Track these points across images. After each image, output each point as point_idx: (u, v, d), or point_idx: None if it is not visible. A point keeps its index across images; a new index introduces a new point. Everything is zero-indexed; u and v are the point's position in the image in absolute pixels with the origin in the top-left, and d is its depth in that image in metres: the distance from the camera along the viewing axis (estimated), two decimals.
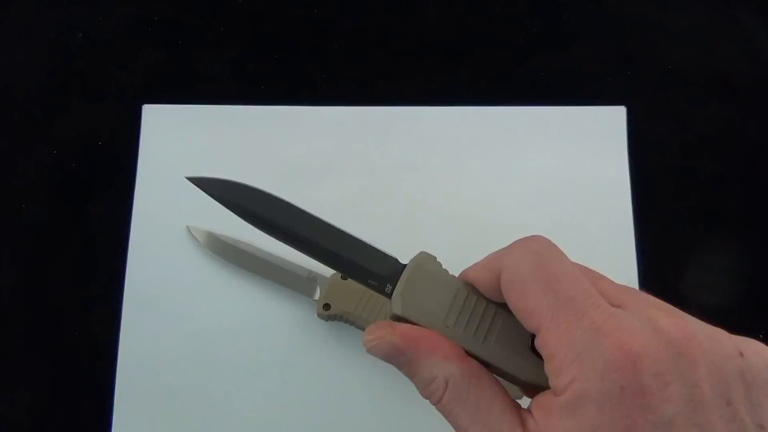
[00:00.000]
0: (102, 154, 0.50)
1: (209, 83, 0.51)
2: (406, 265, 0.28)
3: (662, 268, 0.47)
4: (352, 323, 0.43)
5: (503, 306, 0.26)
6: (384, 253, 0.28)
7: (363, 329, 0.41)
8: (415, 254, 0.28)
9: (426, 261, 0.28)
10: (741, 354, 0.22)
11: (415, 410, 0.43)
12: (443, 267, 0.28)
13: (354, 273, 0.28)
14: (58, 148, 0.50)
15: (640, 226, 0.48)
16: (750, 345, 0.23)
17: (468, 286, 0.27)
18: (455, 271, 0.28)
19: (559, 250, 0.25)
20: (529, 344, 0.26)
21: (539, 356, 0.24)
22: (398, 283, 0.27)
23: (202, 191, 0.29)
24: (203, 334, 0.45)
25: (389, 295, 0.27)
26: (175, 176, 0.49)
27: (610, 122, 0.50)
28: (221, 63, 0.52)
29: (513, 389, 0.27)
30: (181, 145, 0.50)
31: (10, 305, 0.47)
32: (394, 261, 0.28)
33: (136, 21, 0.53)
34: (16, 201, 0.49)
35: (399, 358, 0.26)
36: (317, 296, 0.44)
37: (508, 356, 0.26)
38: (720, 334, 0.23)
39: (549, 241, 0.25)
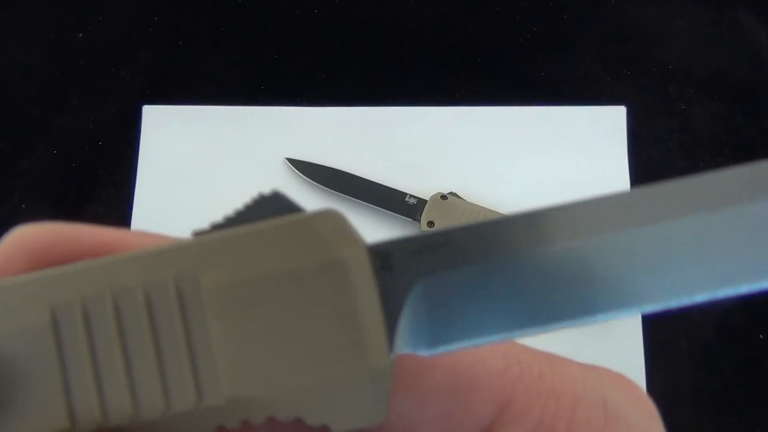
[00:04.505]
0: (102, 154, 0.50)
1: (209, 83, 0.51)
2: None
3: None
4: None
5: None
6: None
7: None
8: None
9: None
10: None
11: None
12: None
13: None
14: (58, 148, 0.50)
15: None
16: None
17: None
18: None
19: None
20: None
21: None
22: None
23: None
24: None
25: None
26: (175, 176, 0.49)
27: (610, 122, 0.50)
28: (221, 63, 0.52)
29: None
30: (182, 145, 0.50)
31: None
32: None
33: (136, 21, 0.53)
34: (16, 201, 0.49)
35: None
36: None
37: None
38: None
39: None
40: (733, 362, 0.45)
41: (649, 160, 0.49)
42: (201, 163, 0.49)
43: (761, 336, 0.46)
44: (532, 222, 0.14)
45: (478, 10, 0.53)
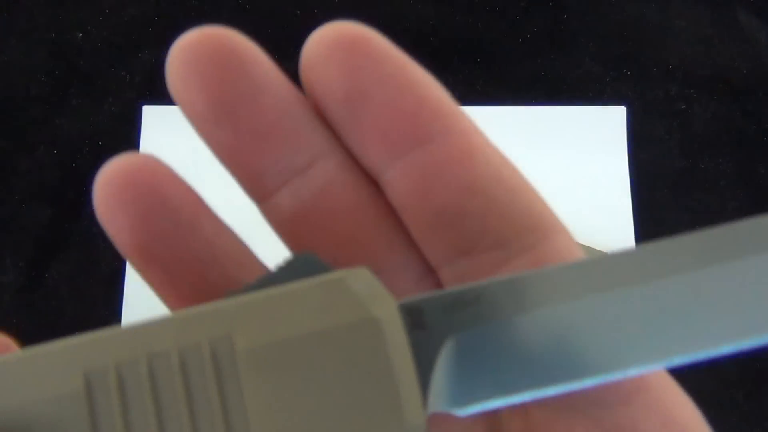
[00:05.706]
0: (102, 154, 0.50)
1: None
2: None
3: None
4: None
5: None
6: None
7: None
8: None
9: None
10: None
11: None
12: None
13: None
14: (58, 148, 0.50)
15: (640, 226, 0.48)
16: None
17: None
18: None
19: None
20: None
21: None
22: None
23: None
24: None
25: None
26: None
27: (610, 122, 0.50)
28: None
29: None
30: (182, 145, 0.50)
31: (10, 306, 0.47)
32: None
33: (136, 21, 0.53)
34: (16, 201, 0.49)
35: None
36: None
37: None
38: None
39: None
40: (733, 362, 0.45)
41: (649, 160, 0.49)
42: (201, 163, 0.49)
43: None
44: (563, 276, 0.14)
45: (478, 10, 0.53)
